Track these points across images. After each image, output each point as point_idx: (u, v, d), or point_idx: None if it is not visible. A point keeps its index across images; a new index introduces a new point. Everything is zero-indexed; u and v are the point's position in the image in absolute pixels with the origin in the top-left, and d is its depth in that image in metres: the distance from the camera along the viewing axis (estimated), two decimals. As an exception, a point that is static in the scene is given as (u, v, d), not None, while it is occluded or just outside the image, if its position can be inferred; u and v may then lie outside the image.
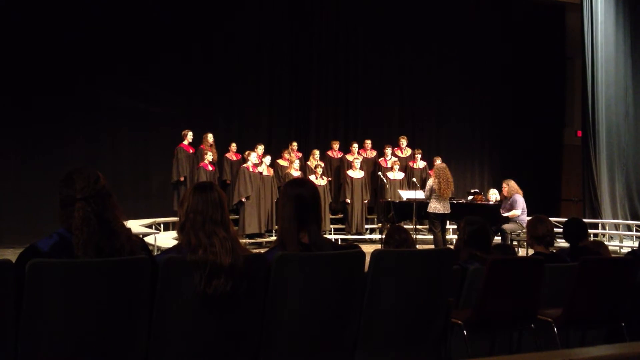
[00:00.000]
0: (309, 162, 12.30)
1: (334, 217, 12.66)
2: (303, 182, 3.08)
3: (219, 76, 12.61)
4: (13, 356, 2.43)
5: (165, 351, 2.66)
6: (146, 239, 8.31)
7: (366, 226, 12.72)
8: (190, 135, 11.34)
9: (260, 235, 11.46)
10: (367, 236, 12.66)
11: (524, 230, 9.61)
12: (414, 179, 12.19)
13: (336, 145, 12.94)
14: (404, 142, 13.21)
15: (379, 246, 9.49)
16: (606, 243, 10.03)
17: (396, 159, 12.73)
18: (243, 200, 11.03)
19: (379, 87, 14.18)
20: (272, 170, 11.70)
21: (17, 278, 2.41)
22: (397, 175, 12.51)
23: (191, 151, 11.37)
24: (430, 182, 9.94)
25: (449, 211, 9.75)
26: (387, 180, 12.12)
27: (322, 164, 12.04)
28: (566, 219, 5.00)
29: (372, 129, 13.90)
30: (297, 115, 13.54)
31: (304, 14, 13.51)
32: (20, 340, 2.42)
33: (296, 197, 2.95)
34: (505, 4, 14.88)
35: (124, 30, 11.45)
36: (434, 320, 3.17)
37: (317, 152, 12.35)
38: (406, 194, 10.99)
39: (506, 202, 10.38)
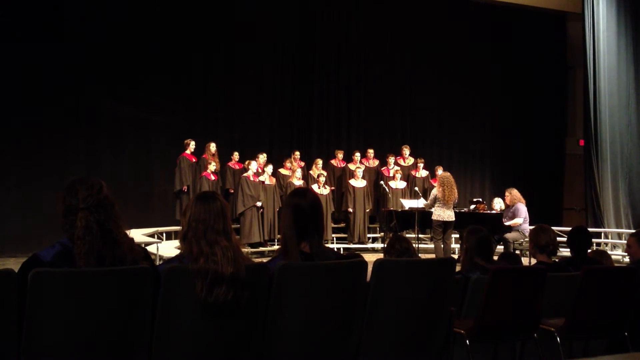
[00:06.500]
0: (311, 171, 12.30)
1: (336, 226, 12.65)
2: (303, 192, 3.05)
3: (220, 85, 12.65)
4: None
5: (167, 361, 2.65)
6: (148, 248, 8.31)
7: (368, 235, 12.71)
8: (192, 145, 11.36)
9: (263, 245, 11.46)
10: (370, 245, 12.64)
11: (527, 239, 9.59)
12: (416, 188, 12.17)
13: (340, 155, 12.93)
14: (406, 151, 13.20)
15: (381, 255, 9.46)
16: (609, 252, 10.00)
17: (398, 168, 12.72)
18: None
19: (382, 96, 14.19)
20: (274, 179, 11.71)
21: (19, 288, 2.42)
22: (399, 184, 12.50)
23: (194, 160, 11.39)
24: (434, 191, 9.98)
25: (453, 219, 9.78)
26: (389, 190, 12.11)
27: (325, 173, 12.03)
28: (571, 228, 4.97)
29: (375, 138, 13.92)
30: (299, 125, 13.55)
31: (306, 24, 13.56)
32: (23, 349, 2.42)
33: (294, 207, 2.95)
34: (506, 14, 14.89)
35: (125, 40, 11.48)
36: (436, 329, 3.16)
37: (319, 161, 12.34)
38: (408, 203, 10.99)
39: (508, 210, 10.37)
